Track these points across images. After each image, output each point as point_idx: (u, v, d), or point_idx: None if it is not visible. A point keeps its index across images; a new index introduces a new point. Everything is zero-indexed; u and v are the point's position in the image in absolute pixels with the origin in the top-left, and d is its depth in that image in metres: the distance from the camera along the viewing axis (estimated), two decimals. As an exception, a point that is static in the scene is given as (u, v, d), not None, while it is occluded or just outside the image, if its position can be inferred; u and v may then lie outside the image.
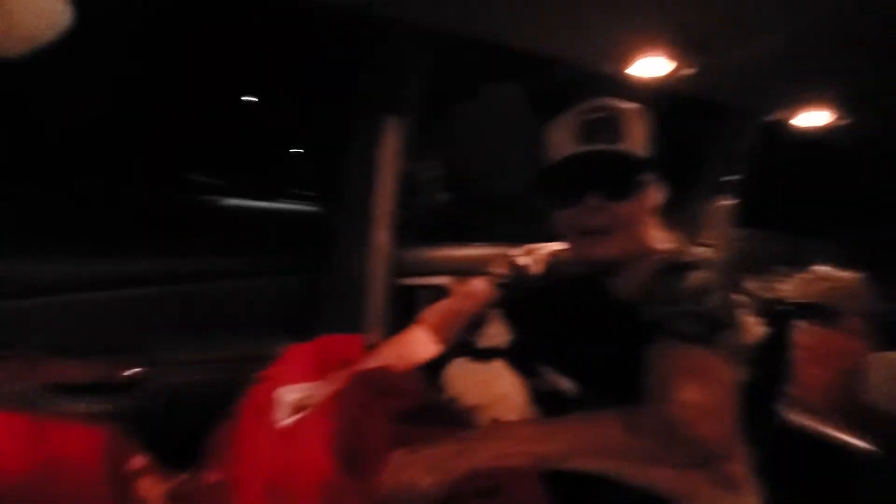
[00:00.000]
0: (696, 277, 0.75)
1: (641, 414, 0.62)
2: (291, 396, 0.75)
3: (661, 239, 0.96)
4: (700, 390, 0.62)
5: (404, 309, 1.30)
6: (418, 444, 0.62)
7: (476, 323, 0.97)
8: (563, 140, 0.88)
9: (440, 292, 1.27)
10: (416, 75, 1.20)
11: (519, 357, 0.79)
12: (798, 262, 2.00)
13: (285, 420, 0.73)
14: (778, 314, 1.40)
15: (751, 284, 1.96)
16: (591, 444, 0.60)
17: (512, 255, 1.10)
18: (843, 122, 1.61)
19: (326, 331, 1.02)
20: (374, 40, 1.15)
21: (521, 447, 0.59)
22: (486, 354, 0.81)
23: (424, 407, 0.69)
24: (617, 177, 0.84)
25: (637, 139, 0.87)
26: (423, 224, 1.54)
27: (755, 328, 1.03)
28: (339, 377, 0.80)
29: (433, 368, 0.91)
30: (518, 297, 0.97)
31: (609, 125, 0.85)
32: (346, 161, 1.22)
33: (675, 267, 0.79)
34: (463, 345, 0.93)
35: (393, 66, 1.16)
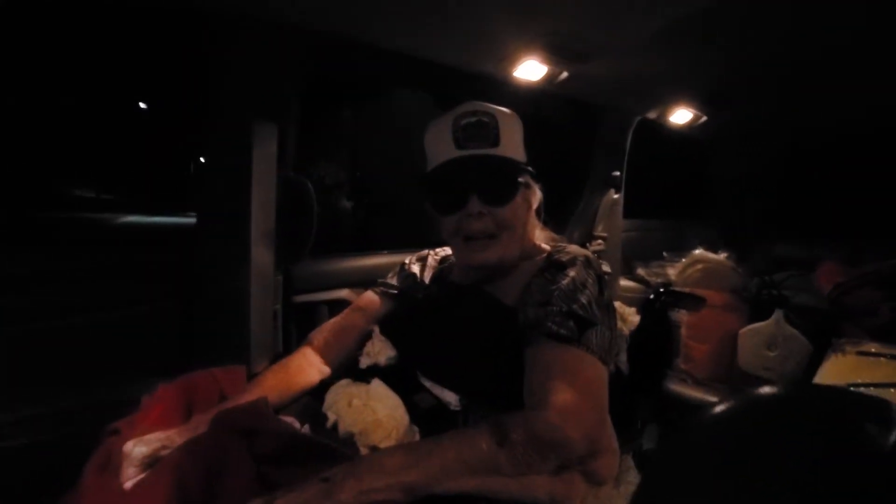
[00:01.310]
0: (568, 276, 0.76)
1: (510, 423, 0.61)
2: (139, 450, 0.65)
3: (542, 239, 0.98)
4: (569, 391, 0.62)
5: (309, 328, 1.21)
6: (284, 487, 0.57)
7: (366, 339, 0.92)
8: (440, 145, 0.86)
9: (343, 307, 1.20)
10: (291, 79, 1.13)
11: (400, 373, 0.76)
12: (682, 247, 2.20)
13: (130, 480, 0.63)
14: (662, 297, 1.51)
15: (641, 271, 2.12)
16: (462, 463, 0.58)
17: (405, 264, 1.07)
18: (701, 119, 1.81)
19: (205, 364, 0.92)
20: (241, 42, 1.06)
21: (387, 480, 0.56)
22: (366, 374, 0.76)
23: (295, 443, 0.63)
24: (495, 181, 0.84)
25: (512, 142, 0.88)
26: (325, 233, 1.46)
27: (632, 317, 1.09)
28: (200, 421, 0.71)
29: (320, 394, 0.84)
30: (404, 308, 0.94)
31: (484, 130, 0.85)
32: (217, 172, 1.11)
33: (550, 267, 0.81)
34: (348, 365, 0.88)
35: (261, 68, 1.07)
